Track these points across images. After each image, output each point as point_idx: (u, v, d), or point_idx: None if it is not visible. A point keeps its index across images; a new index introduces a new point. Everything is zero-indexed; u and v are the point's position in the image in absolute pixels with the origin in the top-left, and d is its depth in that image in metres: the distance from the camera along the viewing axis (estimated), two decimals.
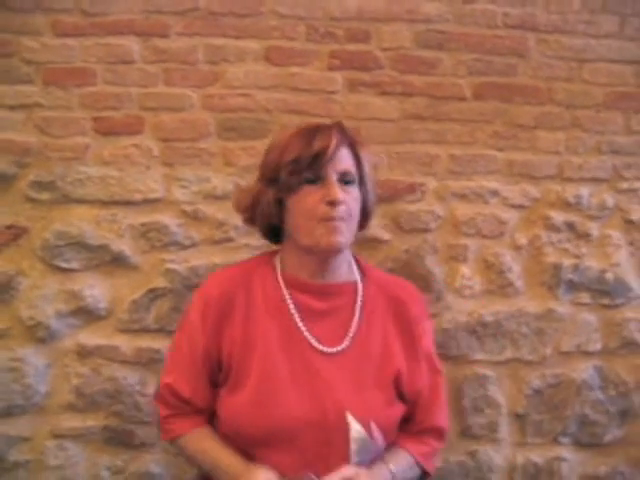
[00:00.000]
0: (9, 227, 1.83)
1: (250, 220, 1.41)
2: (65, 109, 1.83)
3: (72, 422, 1.85)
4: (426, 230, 1.92)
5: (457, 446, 1.94)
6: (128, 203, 1.85)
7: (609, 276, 1.95)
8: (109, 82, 1.84)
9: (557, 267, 1.94)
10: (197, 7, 1.84)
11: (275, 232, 1.41)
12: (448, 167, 1.92)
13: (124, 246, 1.85)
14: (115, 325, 1.86)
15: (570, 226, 1.95)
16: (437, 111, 1.91)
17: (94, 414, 1.86)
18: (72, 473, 1.85)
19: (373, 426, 1.31)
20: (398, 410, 1.37)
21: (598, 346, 1.97)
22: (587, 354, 1.97)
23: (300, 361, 1.32)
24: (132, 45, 1.84)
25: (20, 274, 1.83)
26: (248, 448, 1.31)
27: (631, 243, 1.98)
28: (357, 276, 1.42)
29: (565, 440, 1.96)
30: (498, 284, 1.94)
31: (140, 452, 1.85)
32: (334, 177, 1.30)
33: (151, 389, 1.82)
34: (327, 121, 1.41)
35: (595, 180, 1.96)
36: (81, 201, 1.84)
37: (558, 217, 1.94)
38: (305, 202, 1.30)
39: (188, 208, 1.86)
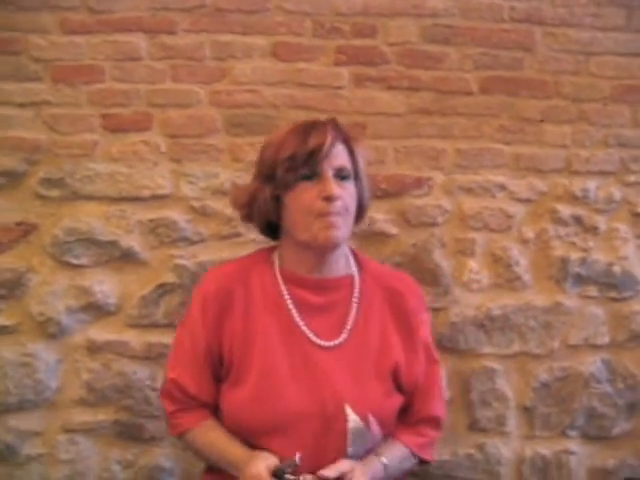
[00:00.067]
0: (19, 224, 1.84)
1: (248, 217, 1.44)
2: (73, 106, 1.84)
3: (83, 417, 1.87)
4: (433, 224, 1.92)
5: (465, 439, 1.94)
6: (137, 199, 1.86)
7: (616, 269, 1.95)
8: (117, 79, 1.85)
9: (564, 260, 1.94)
10: (204, 4, 1.85)
11: (272, 228, 1.44)
12: (455, 161, 1.93)
13: (133, 242, 1.87)
14: (125, 320, 1.87)
15: (577, 219, 1.95)
16: (444, 105, 1.91)
17: (104, 409, 1.87)
18: (83, 467, 1.86)
19: (371, 417, 1.34)
20: (396, 401, 1.40)
21: (606, 339, 1.97)
22: (595, 347, 1.97)
23: (299, 355, 1.35)
24: (139, 42, 1.85)
25: (30, 270, 1.85)
26: (250, 440, 1.34)
27: (638, 236, 1.97)
28: (354, 270, 1.44)
29: (573, 433, 1.97)
30: (506, 278, 1.94)
31: (150, 446, 1.86)
32: (330, 173, 1.33)
33: (161, 384, 1.83)
34: (330, 117, 1.43)
35: (602, 173, 1.96)
36: (90, 197, 1.86)
37: (565, 210, 1.94)
38: (302, 198, 1.32)
39: (196, 204, 1.87)
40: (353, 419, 1.32)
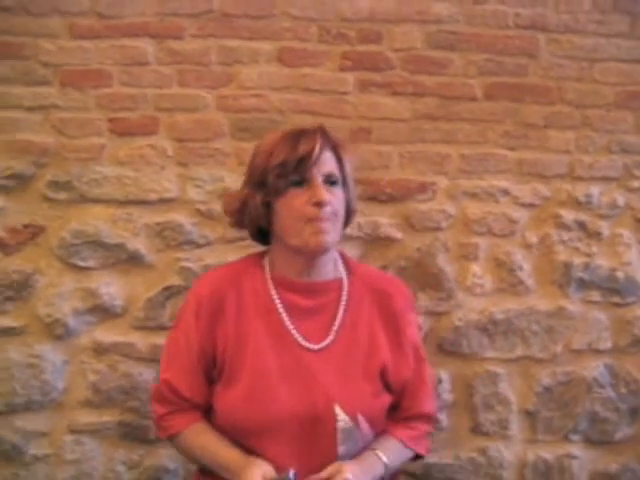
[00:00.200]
0: (27, 226, 1.86)
1: (239, 223, 1.47)
2: (81, 110, 1.86)
3: (89, 417, 1.88)
4: (437, 229, 1.94)
5: (468, 443, 1.95)
6: (143, 202, 1.88)
7: (619, 274, 1.96)
8: (124, 83, 1.87)
9: (568, 265, 1.95)
10: (211, 9, 1.87)
11: (263, 233, 1.47)
12: (459, 166, 1.94)
13: (139, 245, 1.88)
14: (131, 322, 1.89)
15: (581, 225, 1.96)
16: (448, 111, 1.92)
17: (110, 410, 1.88)
18: (89, 467, 1.88)
19: (360, 417, 1.36)
20: (385, 400, 1.43)
21: (609, 344, 1.98)
22: (598, 352, 1.97)
23: (289, 357, 1.38)
24: (147, 47, 1.87)
25: (37, 272, 1.86)
26: (243, 439, 1.37)
27: None
28: (343, 273, 1.47)
29: (576, 437, 1.97)
30: (509, 282, 1.95)
31: (155, 447, 1.88)
32: (319, 179, 1.36)
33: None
34: (318, 124, 1.45)
35: (605, 179, 1.97)
36: (97, 200, 1.87)
37: (568, 216, 1.95)
38: (292, 204, 1.36)
39: (202, 207, 1.89)
40: (343, 419, 1.35)
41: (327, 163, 1.38)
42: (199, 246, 1.89)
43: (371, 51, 1.90)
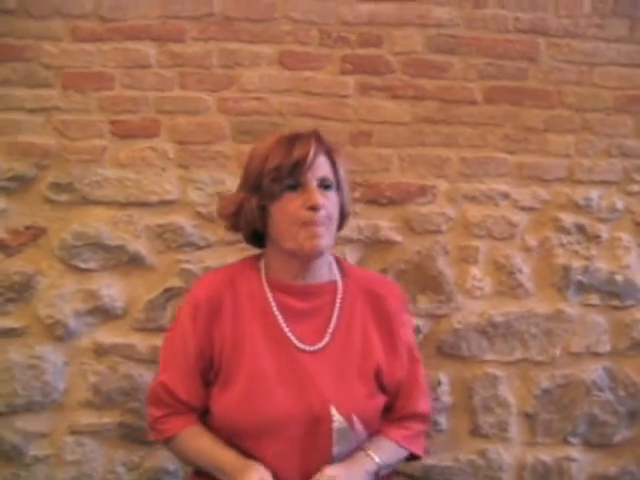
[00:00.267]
0: (28, 228, 1.87)
1: (234, 226, 1.48)
2: (83, 112, 1.87)
3: (89, 419, 1.89)
4: (437, 232, 1.94)
5: (467, 445, 1.96)
6: (144, 204, 1.89)
7: (619, 278, 1.97)
8: (126, 86, 1.88)
9: (567, 269, 1.95)
10: (212, 12, 1.88)
11: (258, 237, 1.48)
12: (459, 170, 1.95)
13: (140, 247, 1.89)
14: (131, 324, 1.90)
15: (580, 228, 1.96)
16: (448, 114, 1.93)
17: (110, 411, 1.89)
18: (89, 468, 1.88)
19: (354, 418, 1.38)
20: (379, 401, 1.45)
21: (607, 347, 1.98)
22: (596, 355, 1.98)
23: (285, 359, 1.40)
24: (149, 50, 1.88)
25: (39, 274, 1.87)
26: (239, 441, 1.39)
27: None
28: (337, 276, 1.49)
29: (574, 440, 1.98)
30: (508, 285, 1.96)
31: (155, 449, 1.88)
32: (314, 183, 1.38)
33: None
34: (313, 129, 1.46)
35: (605, 183, 1.97)
36: (98, 202, 1.88)
37: (568, 219, 1.96)
38: (287, 208, 1.37)
39: (203, 210, 1.89)
40: (338, 419, 1.37)
41: (321, 167, 1.40)
42: (200, 248, 1.90)
43: (372, 55, 1.91)
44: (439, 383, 1.94)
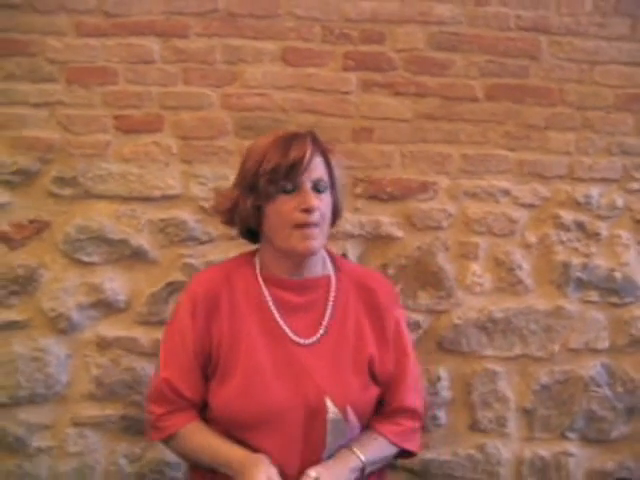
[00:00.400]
0: (32, 221, 1.88)
1: (229, 222, 1.50)
2: (87, 107, 1.88)
3: (91, 411, 1.90)
4: (438, 228, 1.95)
5: (466, 439, 1.98)
6: (147, 199, 1.90)
7: (618, 275, 1.98)
8: (130, 81, 1.89)
9: (566, 265, 1.97)
10: (216, 9, 1.89)
11: (253, 232, 1.50)
12: (460, 166, 1.96)
13: (143, 241, 1.90)
14: (134, 317, 1.91)
15: (580, 225, 1.97)
16: (450, 111, 1.94)
17: (113, 403, 1.91)
18: (91, 460, 1.90)
19: (349, 409, 1.40)
20: (373, 393, 1.47)
21: (606, 344, 1.99)
22: (595, 351, 1.99)
23: (281, 353, 1.42)
24: (152, 45, 1.89)
25: (42, 267, 1.88)
26: (237, 432, 1.41)
27: None
28: (331, 270, 1.51)
29: (572, 435, 1.99)
30: (508, 281, 1.97)
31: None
32: (309, 185, 1.39)
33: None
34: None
35: (605, 180, 1.98)
36: (102, 197, 1.89)
37: (568, 216, 1.97)
38: (281, 210, 1.39)
39: (206, 204, 1.90)
40: (332, 411, 1.39)
41: (317, 169, 1.41)
42: (202, 242, 1.92)
43: (374, 51, 1.92)
44: (439, 378, 1.95)
